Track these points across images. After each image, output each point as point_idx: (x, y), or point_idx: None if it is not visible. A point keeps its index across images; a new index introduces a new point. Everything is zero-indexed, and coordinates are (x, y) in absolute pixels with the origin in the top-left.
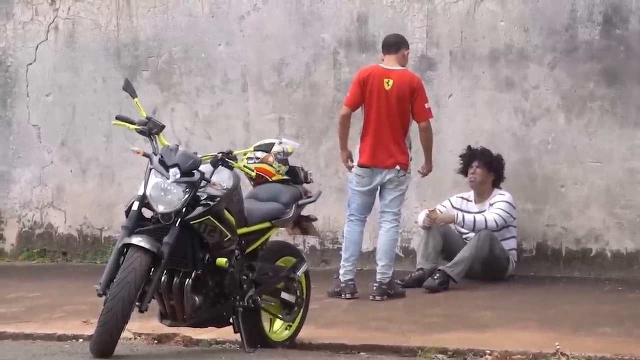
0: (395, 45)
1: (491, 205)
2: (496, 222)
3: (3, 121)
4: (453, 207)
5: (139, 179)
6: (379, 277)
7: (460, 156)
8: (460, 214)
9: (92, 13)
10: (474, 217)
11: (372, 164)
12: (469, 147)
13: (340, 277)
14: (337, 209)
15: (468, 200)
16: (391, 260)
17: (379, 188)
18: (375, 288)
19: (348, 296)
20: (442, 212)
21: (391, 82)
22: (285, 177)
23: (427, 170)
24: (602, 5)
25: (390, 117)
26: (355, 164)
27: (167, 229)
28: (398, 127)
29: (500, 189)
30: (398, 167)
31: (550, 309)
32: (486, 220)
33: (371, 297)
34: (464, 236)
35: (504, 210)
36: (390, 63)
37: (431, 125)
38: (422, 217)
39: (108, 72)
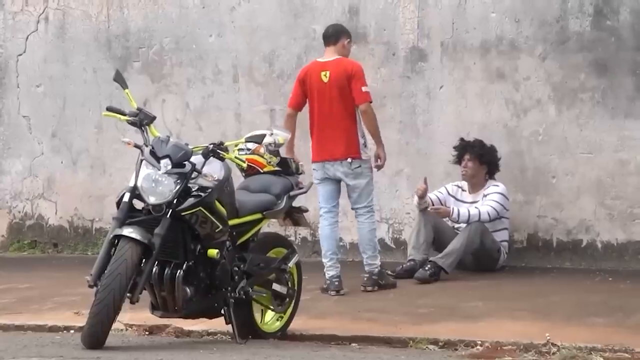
0: (334, 35)
1: (485, 196)
2: (489, 215)
3: None
4: (449, 194)
5: (130, 170)
6: (367, 268)
7: (454, 147)
8: (456, 209)
9: (82, 3)
10: (468, 210)
11: (321, 159)
12: (461, 139)
13: (325, 274)
14: None
15: (463, 190)
16: (375, 250)
17: (340, 182)
18: (366, 279)
19: (332, 293)
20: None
21: (328, 73)
22: (276, 168)
23: (382, 158)
24: None
25: (332, 108)
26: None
27: (158, 220)
28: (343, 117)
29: (495, 179)
30: (349, 160)
31: (541, 300)
32: (480, 213)
33: (362, 288)
34: (455, 226)
35: (497, 202)
36: (328, 55)
37: (372, 108)
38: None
39: (98, 62)
